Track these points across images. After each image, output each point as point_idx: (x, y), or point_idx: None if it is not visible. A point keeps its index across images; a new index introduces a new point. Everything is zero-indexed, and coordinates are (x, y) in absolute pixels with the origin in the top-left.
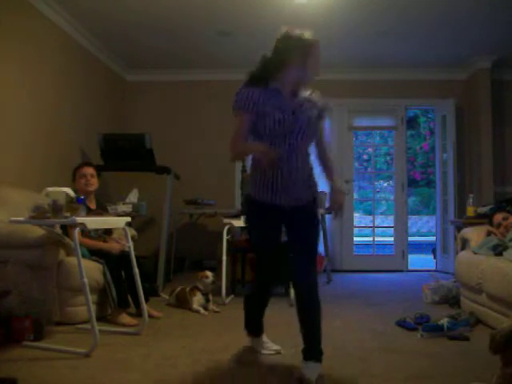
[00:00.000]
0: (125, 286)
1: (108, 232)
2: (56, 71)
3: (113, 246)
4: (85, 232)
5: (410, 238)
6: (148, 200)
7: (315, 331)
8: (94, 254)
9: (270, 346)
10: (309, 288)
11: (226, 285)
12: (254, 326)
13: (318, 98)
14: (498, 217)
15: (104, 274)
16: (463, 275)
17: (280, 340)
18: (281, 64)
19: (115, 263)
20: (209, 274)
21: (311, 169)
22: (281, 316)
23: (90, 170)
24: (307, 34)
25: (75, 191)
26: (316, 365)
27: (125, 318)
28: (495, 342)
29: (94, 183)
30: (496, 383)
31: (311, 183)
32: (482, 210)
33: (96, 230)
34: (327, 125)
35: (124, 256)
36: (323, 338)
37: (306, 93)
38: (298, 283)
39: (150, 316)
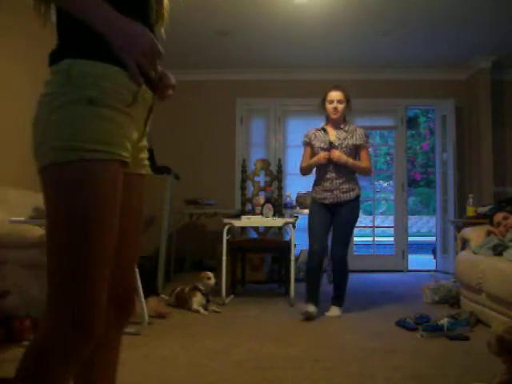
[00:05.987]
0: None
1: None
2: None
3: None
4: None
5: (410, 238)
6: (148, 200)
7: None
8: None
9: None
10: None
11: (226, 285)
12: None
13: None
14: (499, 216)
15: None
16: (463, 275)
17: (281, 339)
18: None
19: None
20: (210, 274)
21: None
22: (282, 316)
23: None
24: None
25: None
26: (336, 308)
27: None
28: (506, 343)
29: None
30: (501, 380)
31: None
32: (482, 209)
33: None
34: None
35: None
36: (323, 338)
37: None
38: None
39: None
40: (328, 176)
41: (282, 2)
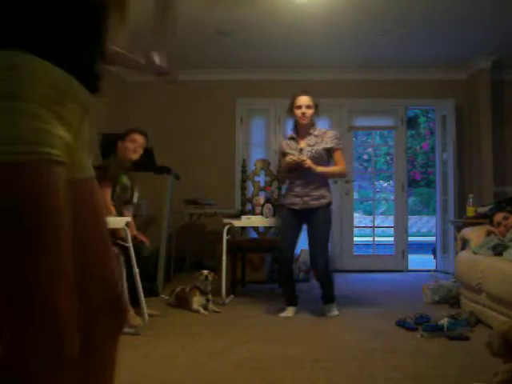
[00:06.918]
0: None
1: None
2: None
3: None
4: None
5: (410, 238)
6: (148, 200)
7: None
8: None
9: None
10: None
11: (226, 285)
12: (289, 297)
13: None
14: (499, 216)
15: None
16: (463, 275)
17: (281, 339)
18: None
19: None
20: (206, 272)
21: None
22: (282, 316)
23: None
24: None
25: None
26: (331, 304)
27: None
28: (497, 344)
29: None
30: (501, 379)
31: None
32: (482, 209)
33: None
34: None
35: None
36: (323, 338)
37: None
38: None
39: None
40: (298, 182)
41: (282, 2)
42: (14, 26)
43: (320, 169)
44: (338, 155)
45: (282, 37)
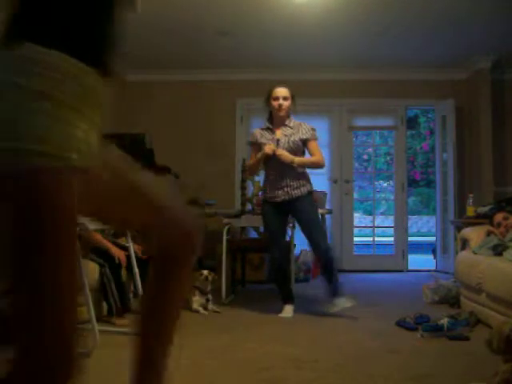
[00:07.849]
0: (126, 287)
1: (116, 235)
2: None
3: (119, 254)
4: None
5: (410, 238)
6: None
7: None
8: (94, 251)
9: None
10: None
11: (226, 285)
12: (284, 295)
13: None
14: (499, 216)
15: (102, 274)
16: (463, 275)
17: (281, 339)
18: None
19: (117, 264)
20: (204, 272)
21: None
22: (282, 316)
23: None
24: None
25: None
26: (339, 299)
27: (121, 320)
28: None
29: None
30: (502, 378)
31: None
32: (482, 209)
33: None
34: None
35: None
36: (323, 338)
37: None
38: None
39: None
40: (277, 174)
41: (281, 2)
42: (30, 17)
43: (297, 160)
44: (313, 146)
45: (281, 37)
